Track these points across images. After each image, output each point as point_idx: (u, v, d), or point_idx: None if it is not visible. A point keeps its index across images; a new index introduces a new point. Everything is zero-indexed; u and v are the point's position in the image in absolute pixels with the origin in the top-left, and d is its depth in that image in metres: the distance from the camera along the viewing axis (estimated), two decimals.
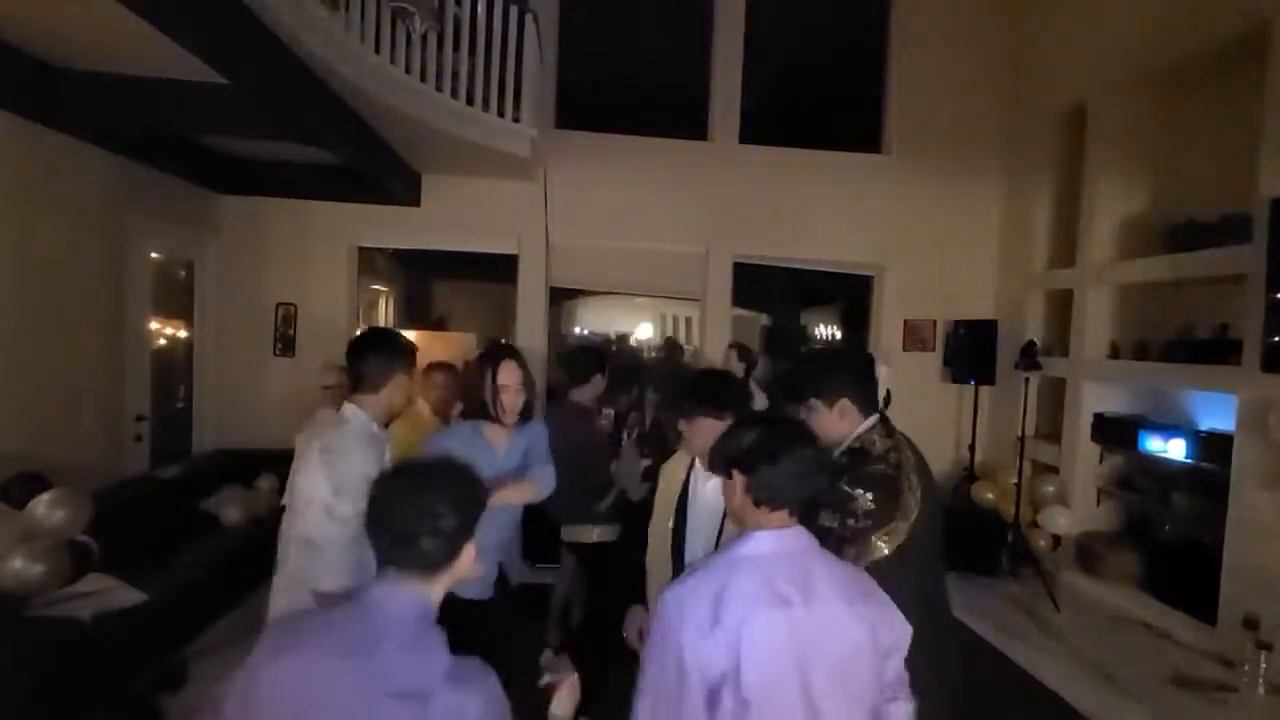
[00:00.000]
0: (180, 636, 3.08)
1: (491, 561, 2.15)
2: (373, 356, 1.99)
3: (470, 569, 1.17)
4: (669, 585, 1.27)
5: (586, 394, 3.34)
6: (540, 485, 2.23)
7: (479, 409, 2.19)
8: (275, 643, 1.09)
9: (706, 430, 1.94)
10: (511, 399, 2.17)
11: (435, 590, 1.13)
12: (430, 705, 1.02)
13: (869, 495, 1.54)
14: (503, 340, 7.67)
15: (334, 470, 1.90)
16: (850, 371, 1.75)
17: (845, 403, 1.68)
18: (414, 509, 1.10)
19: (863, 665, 1.22)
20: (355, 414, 1.98)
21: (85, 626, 2.54)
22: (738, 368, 4.19)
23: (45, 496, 2.70)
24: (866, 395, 1.71)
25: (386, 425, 2.21)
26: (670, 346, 7.89)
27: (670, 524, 2.05)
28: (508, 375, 2.17)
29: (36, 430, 3.36)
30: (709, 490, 2.01)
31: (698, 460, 2.04)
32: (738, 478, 1.29)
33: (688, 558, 1.98)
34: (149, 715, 2.64)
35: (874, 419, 1.71)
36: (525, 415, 2.24)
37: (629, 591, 2.17)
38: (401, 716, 1.01)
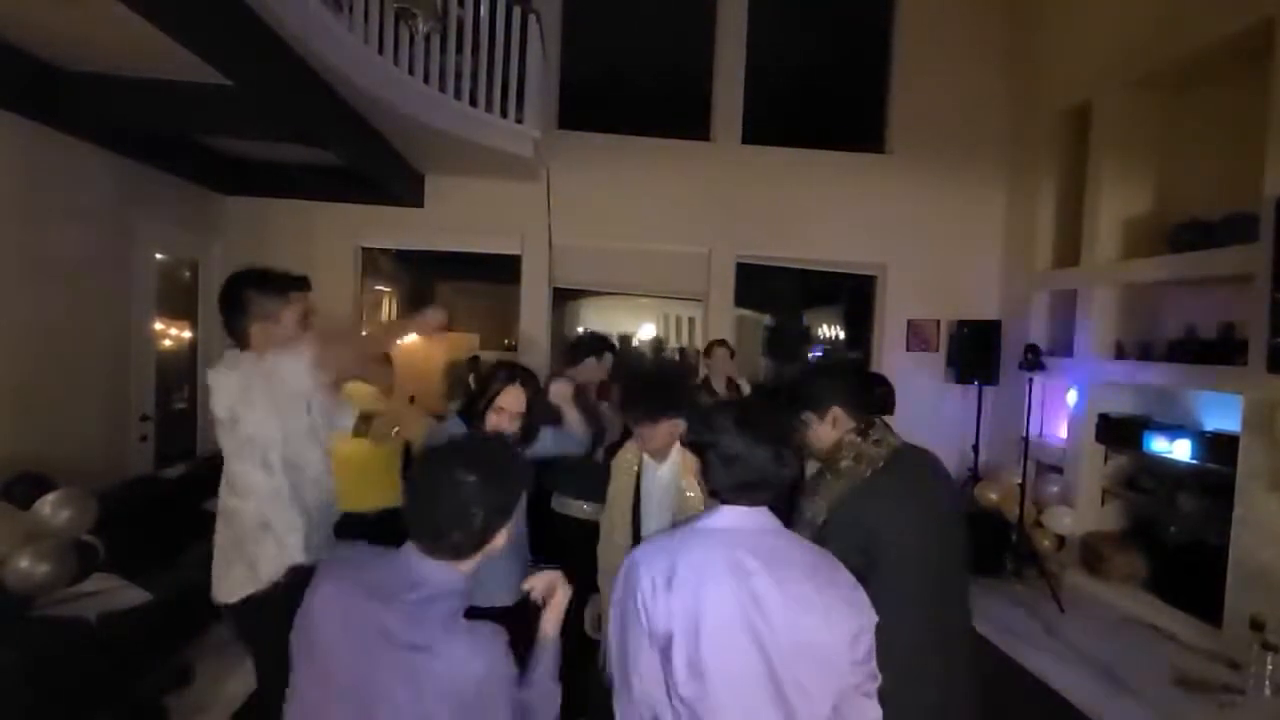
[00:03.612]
0: (185, 636, 3.08)
1: (509, 565, 2.09)
2: (225, 315, 1.78)
3: (501, 547, 1.24)
4: (635, 548, 1.30)
5: (579, 375, 3.32)
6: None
7: (469, 411, 2.14)
8: (330, 567, 1.21)
9: (665, 432, 2.04)
10: (501, 423, 2.10)
11: (466, 566, 1.19)
12: (433, 658, 1.08)
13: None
14: (505, 341, 7.69)
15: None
16: (840, 380, 1.74)
17: (837, 410, 1.68)
18: (447, 506, 1.14)
19: (829, 649, 1.19)
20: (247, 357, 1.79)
21: (91, 626, 2.55)
22: (730, 367, 4.19)
23: (51, 497, 2.71)
24: (858, 403, 1.71)
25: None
26: (656, 347, 7.95)
27: (627, 514, 2.14)
28: (506, 400, 2.11)
29: (41, 431, 3.37)
30: (659, 478, 2.14)
31: (647, 455, 2.14)
32: (697, 461, 1.32)
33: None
34: (154, 714, 2.65)
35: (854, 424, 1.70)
36: (523, 441, 2.18)
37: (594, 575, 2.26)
38: (405, 665, 1.07)
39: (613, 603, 1.28)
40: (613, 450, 2.32)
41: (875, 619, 1.26)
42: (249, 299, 1.75)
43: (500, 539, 1.21)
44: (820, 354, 9.16)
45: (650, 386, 2.11)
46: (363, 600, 1.12)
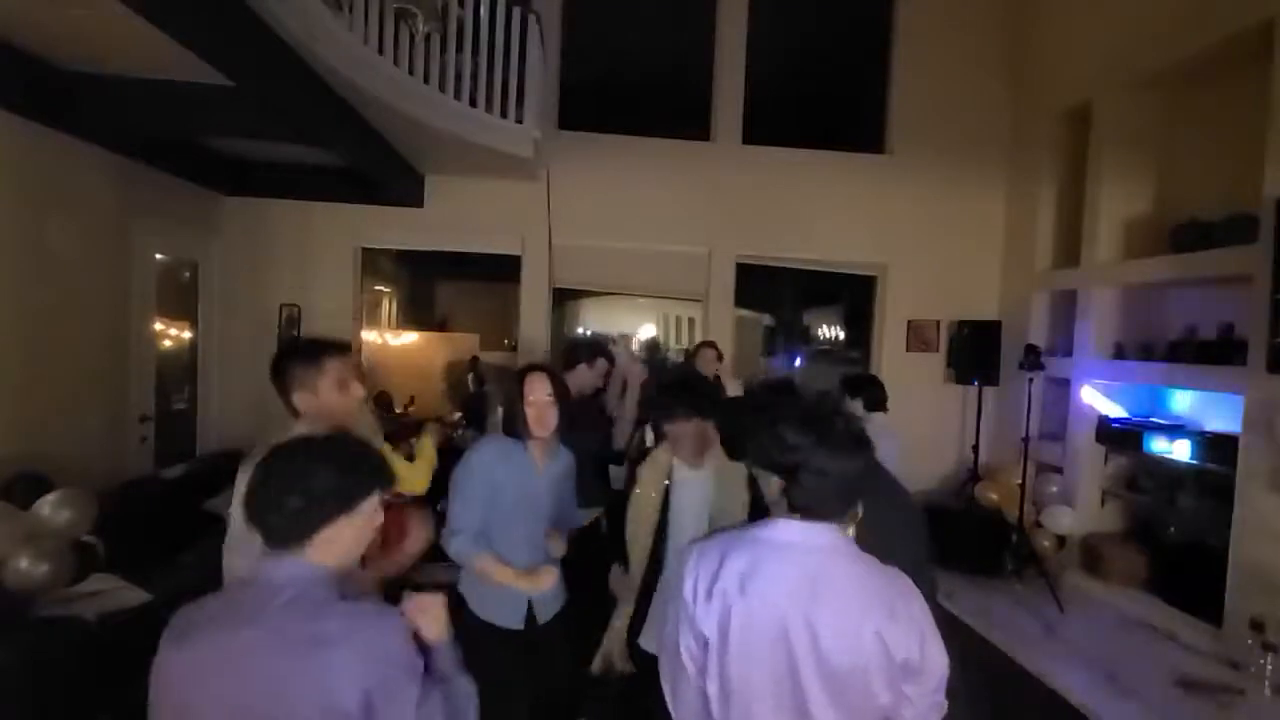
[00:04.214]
0: None
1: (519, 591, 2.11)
2: (276, 387, 1.81)
3: (346, 548, 1.16)
4: (698, 540, 1.30)
5: (572, 382, 3.32)
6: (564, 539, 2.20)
7: (512, 426, 2.12)
8: (176, 633, 1.12)
9: (694, 433, 2.05)
10: (542, 412, 2.09)
11: (313, 557, 1.13)
12: (331, 649, 1.04)
13: None
14: (505, 341, 7.71)
15: None
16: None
17: None
18: (265, 487, 1.13)
19: (865, 676, 1.15)
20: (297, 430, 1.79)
21: (90, 626, 2.55)
22: (715, 367, 4.23)
23: (51, 497, 2.71)
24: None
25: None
26: (651, 347, 8.03)
27: (652, 525, 2.11)
28: (532, 387, 2.10)
29: (41, 431, 3.37)
30: (694, 488, 2.10)
31: (676, 460, 2.12)
32: (775, 481, 1.24)
33: (671, 558, 2.06)
34: None
35: None
36: (566, 428, 2.18)
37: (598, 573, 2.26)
38: (305, 666, 1.04)
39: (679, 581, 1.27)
40: (639, 457, 2.29)
41: (945, 658, 1.21)
42: (287, 370, 1.79)
43: (345, 540, 1.15)
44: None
45: (682, 386, 2.15)
46: (228, 636, 1.07)
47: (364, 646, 1.06)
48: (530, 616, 2.14)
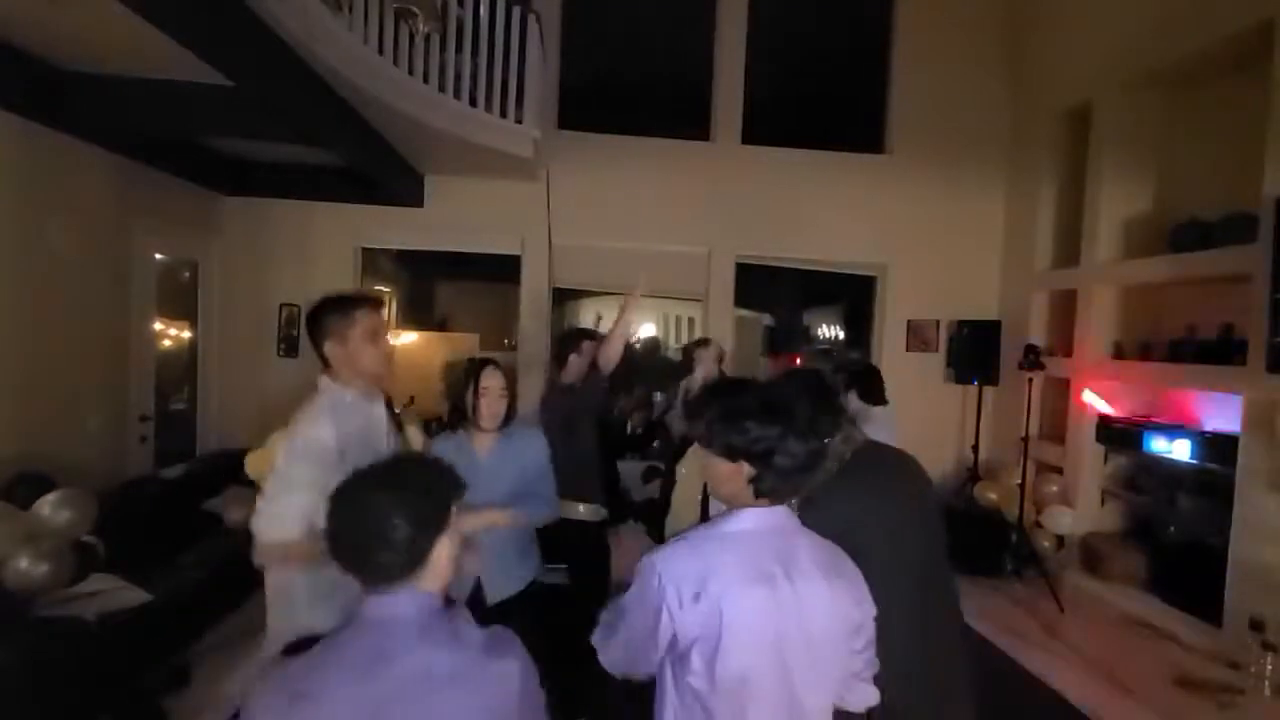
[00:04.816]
0: (184, 637, 3.09)
1: (489, 562, 2.14)
2: (312, 341, 1.84)
3: (453, 566, 1.14)
4: (654, 552, 1.28)
5: (569, 374, 3.33)
6: (527, 516, 2.18)
7: (461, 416, 2.27)
8: (291, 693, 1.02)
9: None
10: (492, 403, 2.24)
11: (425, 586, 1.10)
12: (480, 679, 1.06)
13: None
14: (505, 341, 7.73)
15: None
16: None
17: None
18: (360, 525, 1.07)
19: (834, 641, 1.25)
20: (323, 383, 1.84)
21: (90, 626, 2.56)
22: (714, 368, 4.24)
23: (51, 497, 2.72)
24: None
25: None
26: (652, 347, 8.06)
27: (698, 519, 2.13)
28: (488, 380, 2.25)
29: (41, 431, 3.37)
30: None
31: None
32: (744, 466, 1.26)
33: None
34: (153, 715, 2.65)
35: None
36: (506, 420, 2.31)
37: (602, 576, 2.24)
38: (453, 699, 1.03)
39: (631, 595, 1.26)
40: (678, 454, 2.35)
41: (874, 610, 1.31)
42: (320, 320, 1.83)
43: (444, 557, 1.11)
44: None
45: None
46: (373, 683, 1.01)
47: (512, 670, 1.10)
48: (476, 596, 2.14)
